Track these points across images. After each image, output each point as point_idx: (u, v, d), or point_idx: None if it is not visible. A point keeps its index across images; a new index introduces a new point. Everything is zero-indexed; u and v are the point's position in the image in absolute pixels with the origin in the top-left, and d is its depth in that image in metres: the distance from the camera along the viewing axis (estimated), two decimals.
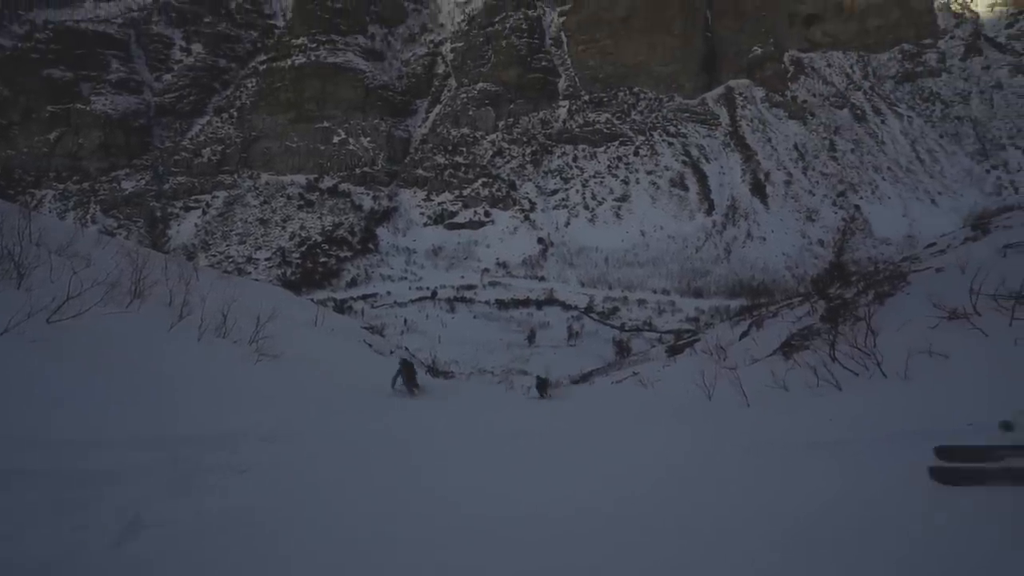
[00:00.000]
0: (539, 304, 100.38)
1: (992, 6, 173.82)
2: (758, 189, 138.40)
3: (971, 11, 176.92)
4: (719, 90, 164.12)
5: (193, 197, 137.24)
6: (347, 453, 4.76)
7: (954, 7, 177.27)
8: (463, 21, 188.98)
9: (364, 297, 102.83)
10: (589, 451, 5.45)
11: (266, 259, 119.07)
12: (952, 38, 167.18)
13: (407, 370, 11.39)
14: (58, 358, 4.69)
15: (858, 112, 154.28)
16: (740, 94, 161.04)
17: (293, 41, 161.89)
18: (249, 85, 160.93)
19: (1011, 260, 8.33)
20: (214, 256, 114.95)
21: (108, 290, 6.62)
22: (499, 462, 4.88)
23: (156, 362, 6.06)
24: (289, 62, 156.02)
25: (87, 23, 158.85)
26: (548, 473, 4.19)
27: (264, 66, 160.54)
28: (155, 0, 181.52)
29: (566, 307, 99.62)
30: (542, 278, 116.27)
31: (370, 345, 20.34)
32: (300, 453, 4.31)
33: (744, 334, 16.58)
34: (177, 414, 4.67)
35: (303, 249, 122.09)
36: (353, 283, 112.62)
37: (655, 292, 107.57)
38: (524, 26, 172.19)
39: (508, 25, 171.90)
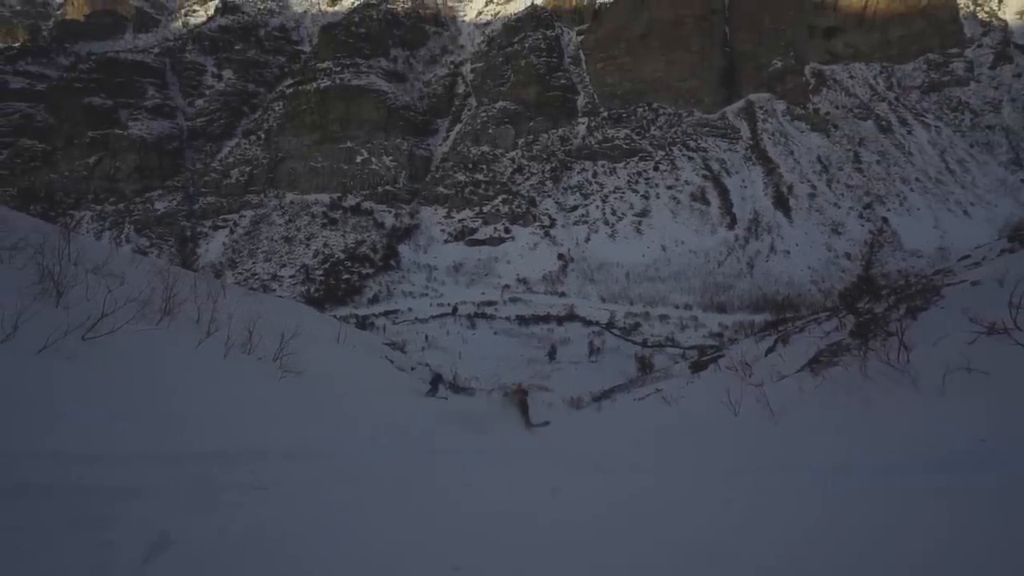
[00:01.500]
0: (560, 320, 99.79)
1: (1021, 14, 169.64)
2: (781, 202, 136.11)
3: (999, 19, 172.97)
4: (739, 104, 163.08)
5: (221, 216, 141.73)
6: (367, 469, 4.76)
7: (980, 15, 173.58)
8: (483, 42, 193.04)
9: (386, 313, 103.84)
10: (617, 467, 5.33)
11: (290, 276, 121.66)
12: (980, 46, 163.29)
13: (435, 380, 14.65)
14: (90, 374, 4.83)
15: (883, 123, 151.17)
16: (761, 107, 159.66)
17: (319, 65, 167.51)
18: (276, 108, 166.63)
19: None
20: (240, 274, 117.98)
21: (140, 308, 6.84)
22: (520, 476, 4.81)
23: (183, 378, 6.20)
24: (315, 85, 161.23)
25: (126, 53, 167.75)
26: (566, 489, 4.10)
27: (291, 90, 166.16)
28: (190, 30, 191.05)
29: (587, 323, 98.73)
30: (563, 294, 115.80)
31: (392, 361, 20.47)
32: (321, 470, 4.33)
33: (770, 350, 16.16)
34: (200, 430, 4.74)
35: (326, 266, 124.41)
36: (375, 300, 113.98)
37: (677, 307, 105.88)
38: (543, 45, 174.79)
39: (527, 45, 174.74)
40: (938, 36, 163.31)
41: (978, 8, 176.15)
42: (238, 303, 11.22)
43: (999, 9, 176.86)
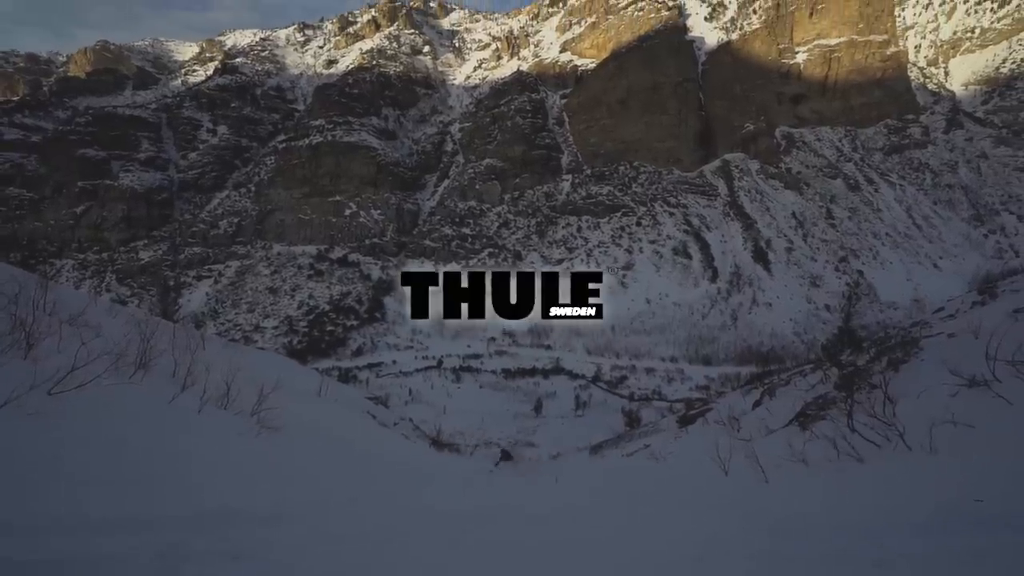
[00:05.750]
0: (546, 373, 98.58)
1: (966, 85, 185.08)
2: (760, 256, 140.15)
3: (947, 90, 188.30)
4: (716, 163, 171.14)
5: (206, 267, 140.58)
6: (348, 536, 4.50)
7: (930, 87, 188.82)
8: (471, 104, 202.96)
9: (370, 366, 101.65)
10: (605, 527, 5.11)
11: (273, 327, 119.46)
12: (932, 113, 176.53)
13: None
14: (53, 432, 4.58)
15: (851, 182, 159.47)
16: (736, 167, 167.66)
17: (312, 122, 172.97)
18: (268, 162, 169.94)
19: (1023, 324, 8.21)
20: (222, 324, 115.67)
21: (114, 360, 6.60)
22: (501, 539, 4.58)
23: (153, 436, 5.91)
24: (307, 141, 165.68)
25: (124, 108, 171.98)
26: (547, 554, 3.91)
27: (283, 145, 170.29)
28: (188, 88, 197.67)
29: (573, 376, 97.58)
30: (548, 347, 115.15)
31: (374, 416, 19.87)
32: (298, 535, 4.08)
33: (757, 403, 16.09)
34: (170, 492, 4.48)
35: (310, 318, 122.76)
36: (359, 352, 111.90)
37: (663, 360, 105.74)
38: (528, 108, 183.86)
39: (513, 107, 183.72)
40: (895, 104, 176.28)
41: (927, 80, 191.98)
42: (217, 355, 10.94)
43: (946, 81, 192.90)
